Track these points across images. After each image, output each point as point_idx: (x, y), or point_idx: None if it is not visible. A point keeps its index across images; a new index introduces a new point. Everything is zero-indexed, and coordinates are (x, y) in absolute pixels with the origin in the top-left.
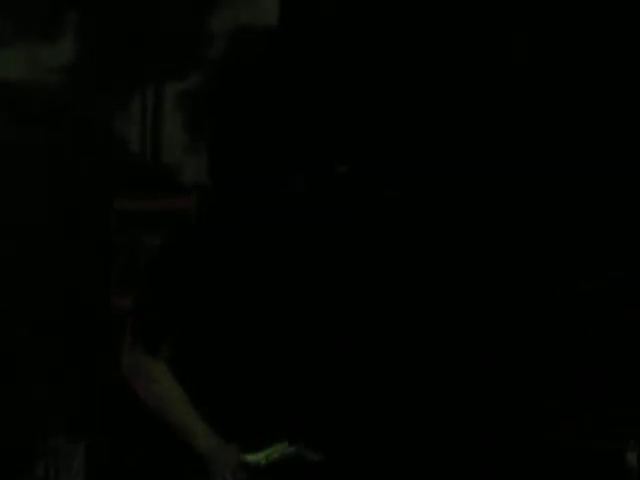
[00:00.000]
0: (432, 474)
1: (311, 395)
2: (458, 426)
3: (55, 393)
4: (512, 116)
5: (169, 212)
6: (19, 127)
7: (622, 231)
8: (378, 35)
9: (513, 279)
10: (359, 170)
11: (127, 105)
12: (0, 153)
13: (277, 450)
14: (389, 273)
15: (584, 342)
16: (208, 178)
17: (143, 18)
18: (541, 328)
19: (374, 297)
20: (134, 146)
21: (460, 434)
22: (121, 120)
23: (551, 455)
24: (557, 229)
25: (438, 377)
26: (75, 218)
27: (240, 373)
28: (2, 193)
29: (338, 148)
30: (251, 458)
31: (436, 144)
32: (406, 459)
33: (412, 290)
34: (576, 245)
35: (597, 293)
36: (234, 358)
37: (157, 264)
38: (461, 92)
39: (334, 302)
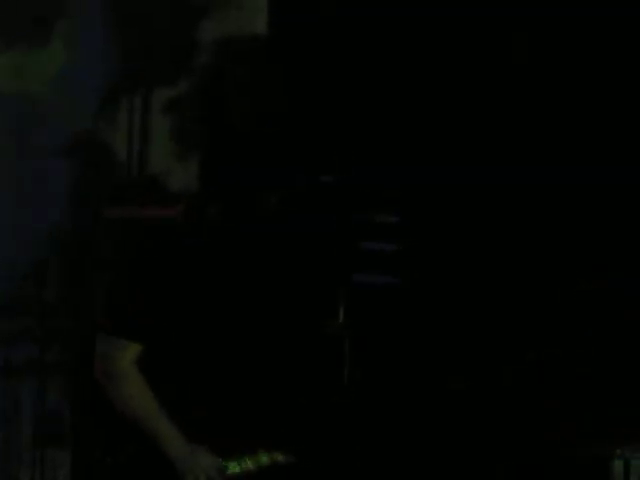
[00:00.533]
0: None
1: (294, 401)
2: (454, 426)
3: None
4: (512, 116)
5: (157, 220)
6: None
7: (622, 231)
8: (375, 36)
9: (512, 279)
10: (358, 171)
11: (113, 111)
12: None
13: (252, 459)
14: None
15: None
16: (198, 184)
17: (132, 24)
18: (541, 328)
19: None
20: (120, 152)
21: (456, 435)
22: (107, 126)
23: (545, 459)
24: (557, 229)
25: (432, 375)
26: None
27: (217, 374)
28: None
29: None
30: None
31: (435, 144)
32: (390, 459)
33: (409, 289)
34: (576, 245)
35: (597, 293)
36: (213, 360)
37: (141, 266)
38: (460, 92)
39: (317, 302)
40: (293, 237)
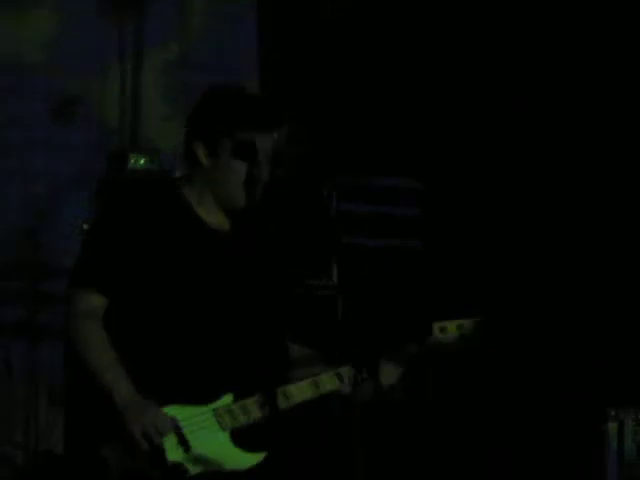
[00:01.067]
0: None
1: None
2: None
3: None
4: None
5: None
6: None
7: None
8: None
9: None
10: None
11: (106, 75)
12: None
13: (224, 402)
14: None
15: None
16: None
17: None
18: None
19: None
20: (113, 116)
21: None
22: (99, 90)
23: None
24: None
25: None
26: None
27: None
28: None
29: None
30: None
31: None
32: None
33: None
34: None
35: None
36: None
37: (101, 218)
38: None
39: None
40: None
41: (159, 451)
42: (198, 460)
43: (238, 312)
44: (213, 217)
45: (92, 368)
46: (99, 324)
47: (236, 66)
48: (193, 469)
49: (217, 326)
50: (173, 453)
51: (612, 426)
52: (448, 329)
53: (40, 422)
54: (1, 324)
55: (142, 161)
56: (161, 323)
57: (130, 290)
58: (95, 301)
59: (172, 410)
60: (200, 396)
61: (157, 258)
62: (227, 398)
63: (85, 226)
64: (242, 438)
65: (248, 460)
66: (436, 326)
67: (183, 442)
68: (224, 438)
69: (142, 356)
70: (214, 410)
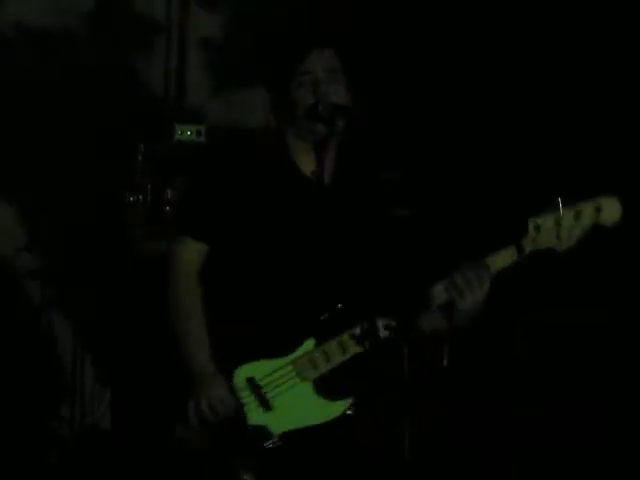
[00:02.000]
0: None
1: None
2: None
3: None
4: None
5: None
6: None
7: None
8: None
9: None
10: None
11: (151, 46)
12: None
13: (305, 349)
14: None
15: None
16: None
17: None
18: None
19: None
20: (158, 87)
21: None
22: (144, 61)
23: None
24: None
25: None
26: (97, 161)
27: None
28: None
29: None
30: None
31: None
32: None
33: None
34: None
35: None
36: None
37: (196, 172)
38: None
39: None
40: None
41: (238, 418)
42: (281, 418)
43: (325, 262)
44: (310, 169)
45: (177, 320)
46: (195, 280)
47: None
48: (276, 429)
49: (303, 275)
50: (254, 415)
51: None
52: (545, 226)
53: (85, 395)
54: (46, 295)
55: (188, 133)
56: (249, 272)
57: (227, 239)
58: (197, 251)
59: (250, 368)
60: (282, 347)
61: (252, 208)
62: (308, 344)
63: (132, 198)
64: (326, 387)
65: (334, 409)
66: (532, 224)
67: (263, 402)
68: (307, 390)
69: (229, 306)
70: (294, 361)
